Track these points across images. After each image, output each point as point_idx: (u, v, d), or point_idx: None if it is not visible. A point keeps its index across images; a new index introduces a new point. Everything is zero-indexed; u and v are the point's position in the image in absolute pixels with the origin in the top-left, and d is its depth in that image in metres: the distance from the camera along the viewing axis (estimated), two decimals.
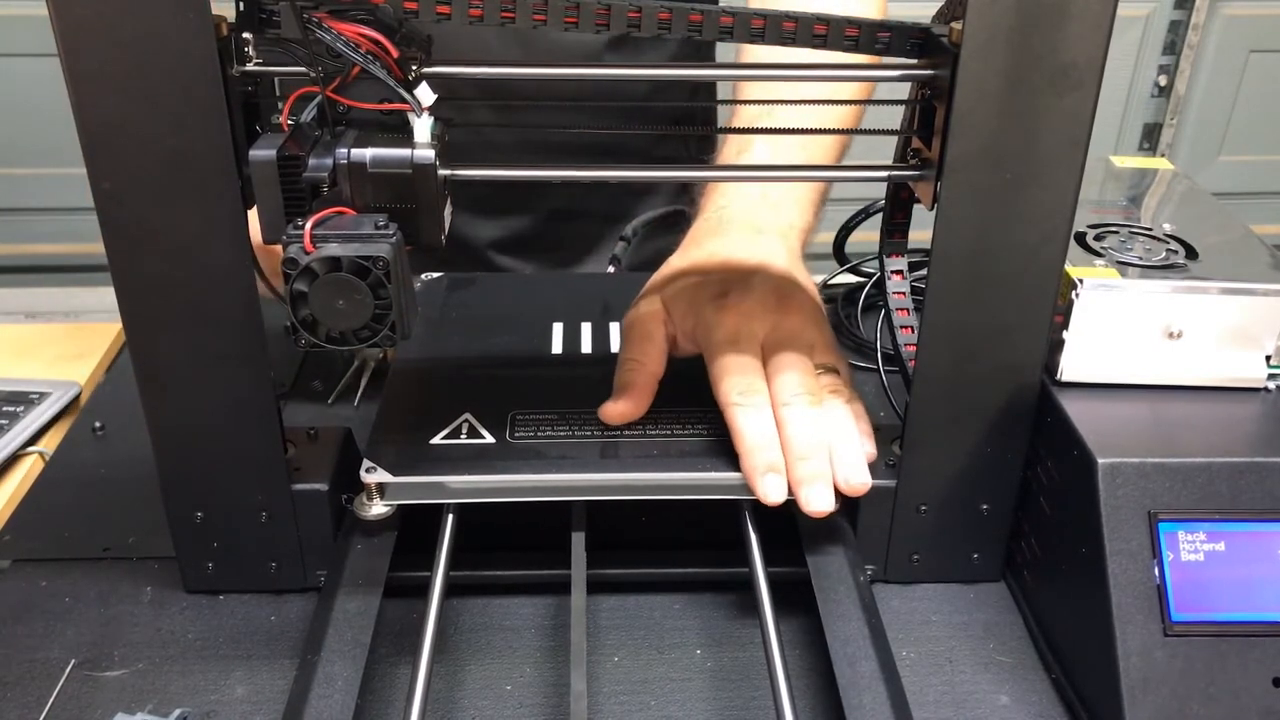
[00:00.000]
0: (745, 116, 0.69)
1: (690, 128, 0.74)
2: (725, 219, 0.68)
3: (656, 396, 0.61)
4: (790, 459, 0.56)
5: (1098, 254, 0.59)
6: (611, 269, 0.88)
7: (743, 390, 0.57)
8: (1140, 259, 0.59)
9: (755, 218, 0.67)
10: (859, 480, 0.56)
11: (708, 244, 0.66)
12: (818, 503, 0.55)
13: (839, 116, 0.69)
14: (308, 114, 0.50)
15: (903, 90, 0.55)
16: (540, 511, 0.58)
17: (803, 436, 0.56)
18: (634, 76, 0.56)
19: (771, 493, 0.55)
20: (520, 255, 0.99)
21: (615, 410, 0.60)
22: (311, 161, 0.48)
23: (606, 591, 0.60)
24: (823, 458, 0.56)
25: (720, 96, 1.07)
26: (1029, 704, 0.54)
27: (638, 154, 0.89)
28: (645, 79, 0.90)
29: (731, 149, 0.74)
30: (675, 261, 0.66)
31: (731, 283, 0.62)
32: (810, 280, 0.65)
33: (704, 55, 0.99)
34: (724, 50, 1.03)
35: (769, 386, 0.58)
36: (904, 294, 0.64)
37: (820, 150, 0.73)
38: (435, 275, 0.76)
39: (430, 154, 0.48)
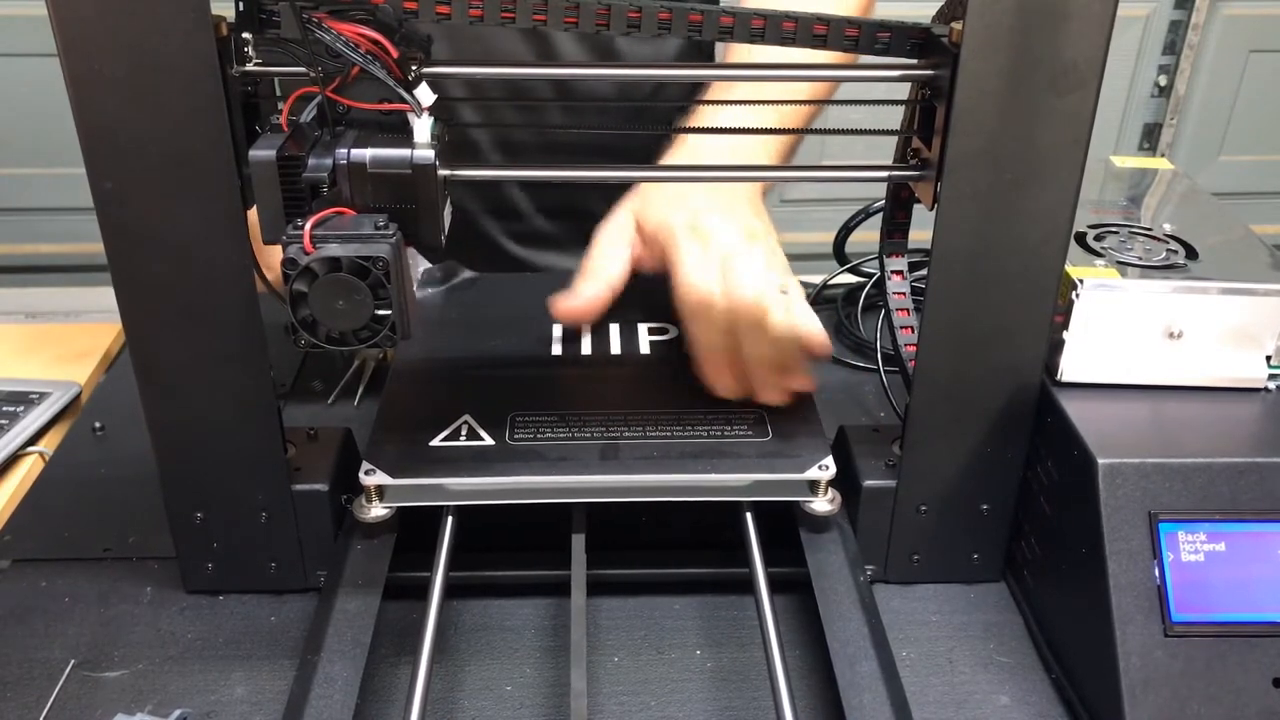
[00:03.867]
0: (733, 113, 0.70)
1: (690, 127, 0.75)
2: (698, 156, 0.71)
3: (655, 396, 0.62)
4: (749, 369, 0.61)
5: (1098, 254, 0.59)
6: None
7: (703, 304, 0.62)
8: (1140, 259, 0.59)
9: (725, 160, 0.71)
10: (800, 385, 0.62)
11: None
12: (776, 398, 0.61)
13: (811, 102, 0.74)
14: (308, 114, 0.50)
15: (903, 90, 0.55)
16: (540, 513, 0.58)
17: (757, 350, 0.61)
18: (636, 77, 0.57)
19: (723, 389, 0.61)
20: (537, 248, 0.99)
21: (565, 308, 0.65)
22: (311, 161, 0.48)
23: (606, 592, 0.60)
24: (771, 368, 0.61)
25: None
26: (1029, 704, 0.54)
27: (647, 154, 0.90)
28: (650, 79, 0.90)
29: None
30: (649, 187, 0.69)
31: (700, 213, 0.65)
32: (770, 223, 0.68)
33: (705, 55, 0.99)
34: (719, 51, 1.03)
35: (730, 303, 0.62)
36: (904, 294, 0.64)
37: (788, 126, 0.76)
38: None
39: (430, 154, 0.48)
